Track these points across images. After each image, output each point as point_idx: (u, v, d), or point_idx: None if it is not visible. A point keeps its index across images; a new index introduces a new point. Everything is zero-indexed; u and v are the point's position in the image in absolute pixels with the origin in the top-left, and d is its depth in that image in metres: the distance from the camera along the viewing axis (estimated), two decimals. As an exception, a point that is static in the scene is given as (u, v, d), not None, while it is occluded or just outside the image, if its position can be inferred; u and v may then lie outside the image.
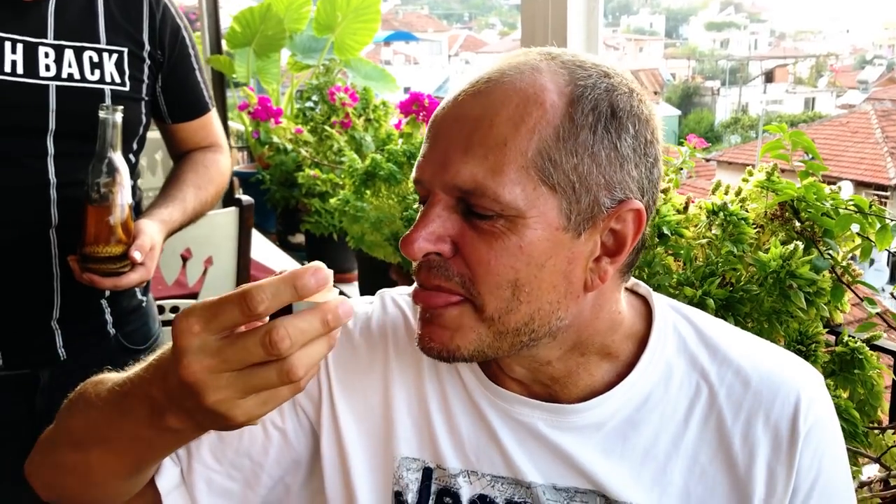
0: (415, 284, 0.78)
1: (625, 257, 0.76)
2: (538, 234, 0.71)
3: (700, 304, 1.26)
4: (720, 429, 0.79)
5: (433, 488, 0.83)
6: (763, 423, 0.78)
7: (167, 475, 0.83)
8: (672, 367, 0.81)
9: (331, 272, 0.61)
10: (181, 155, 1.54)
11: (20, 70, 1.25)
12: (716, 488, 0.78)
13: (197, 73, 1.51)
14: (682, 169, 1.67)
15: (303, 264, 1.89)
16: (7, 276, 1.26)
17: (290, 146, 2.81)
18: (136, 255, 1.23)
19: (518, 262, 0.71)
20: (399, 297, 0.91)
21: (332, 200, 2.24)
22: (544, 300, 0.73)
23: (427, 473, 0.83)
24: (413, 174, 0.76)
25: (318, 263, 0.61)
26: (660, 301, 0.85)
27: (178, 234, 1.67)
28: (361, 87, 2.98)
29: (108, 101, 1.32)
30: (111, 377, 0.75)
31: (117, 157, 1.24)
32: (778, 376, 0.79)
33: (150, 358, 0.69)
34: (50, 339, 1.33)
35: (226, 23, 3.95)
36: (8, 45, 1.25)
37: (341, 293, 1.99)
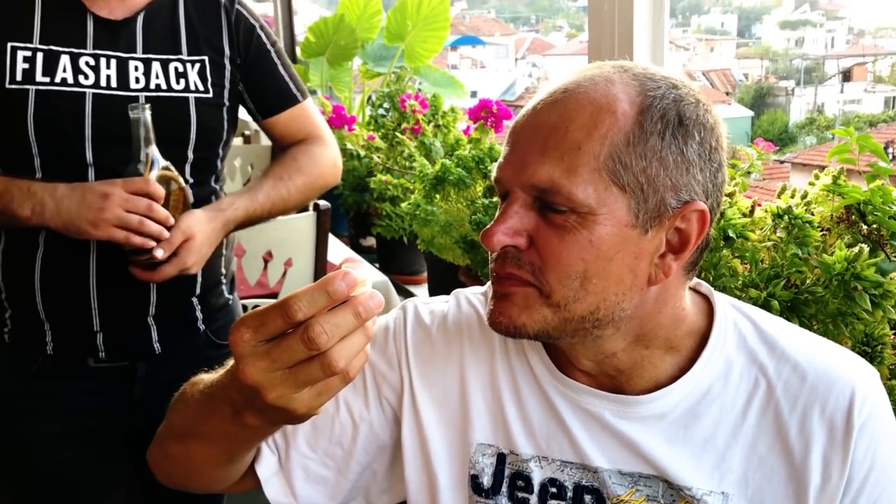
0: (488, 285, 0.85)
1: (689, 255, 0.82)
2: (607, 230, 0.77)
3: (765, 306, 1.29)
4: (777, 420, 0.83)
5: (507, 472, 0.90)
6: (819, 415, 0.83)
7: (266, 463, 0.92)
8: (732, 362, 0.86)
9: (363, 270, 0.67)
10: (282, 151, 1.59)
11: (114, 83, 1.36)
12: (773, 476, 0.83)
13: (279, 67, 1.55)
14: (749, 173, 1.69)
15: (375, 267, 1.94)
16: (110, 277, 1.37)
17: (363, 152, 2.90)
18: (158, 252, 1.28)
19: (588, 254, 0.78)
20: (472, 297, 0.99)
21: (403, 205, 2.31)
22: (610, 291, 0.79)
23: (501, 458, 0.90)
24: (493, 174, 0.83)
25: (347, 265, 0.67)
26: (721, 299, 0.91)
27: (260, 237, 1.74)
28: (430, 94, 3.06)
29: (192, 108, 1.41)
30: (204, 379, 0.84)
31: (151, 151, 1.29)
32: (833, 372, 0.84)
33: (229, 364, 0.76)
34: (147, 334, 1.43)
35: (300, 32, 4.09)
36: (103, 61, 1.36)
37: (410, 294, 2.06)
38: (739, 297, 1.34)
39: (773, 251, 1.38)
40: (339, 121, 2.96)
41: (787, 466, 0.83)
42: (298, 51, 3.89)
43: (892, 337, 1.28)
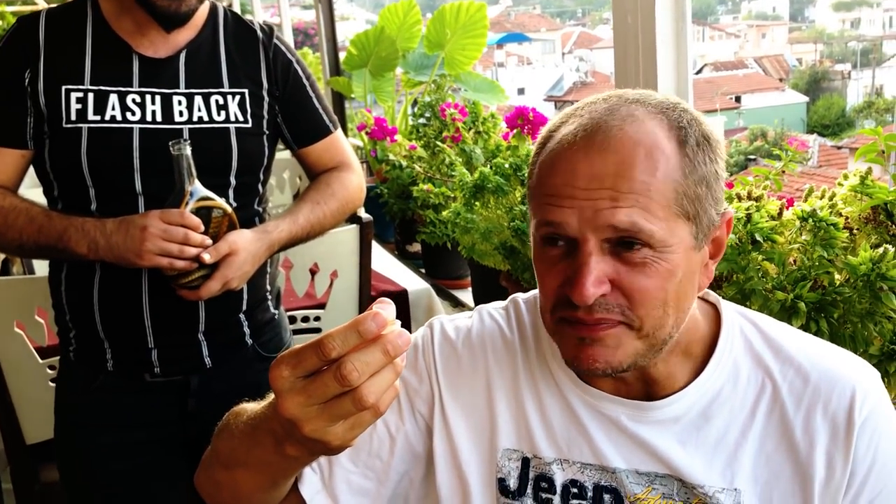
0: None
1: (721, 257, 0.90)
2: (678, 257, 0.83)
3: (792, 307, 1.31)
4: (783, 420, 0.89)
5: (531, 475, 0.96)
6: (822, 414, 0.88)
7: (308, 483, 0.97)
8: (739, 366, 0.92)
9: (392, 310, 0.71)
10: (314, 177, 1.68)
11: (159, 118, 1.44)
12: (781, 473, 0.88)
13: (314, 100, 1.64)
14: (783, 172, 1.70)
15: (419, 273, 2.00)
16: (161, 297, 1.45)
17: (404, 163, 2.97)
18: (205, 256, 1.35)
19: (667, 283, 0.83)
20: (494, 312, 1.05)
21: (444, 213, 2.37)
22: (681, 308, 0.86)
23: (525, 462, 0.97)
24: (546, 217, 0.84)
25: (377, 306, 0.70)
26: (727, 307, 0.96)
27: (306, 250, 1.81)
28: (471, 101, 3.11)
29: (233, 138, 1.48)
30: (247, 410, 0.88)
31: (191, 183, 1.36)
32: (835, 372, 0.90)
33: (271, 397, 0.80)
34: (197, 349, 1.52)
35: (344, 44, 4.18)
36: (149, 97, 1.44)
37: (455, 298, 2.09)
38: (767, 300, 1.37)
39: (801, 253, 1.40)
40: (381, 133, 3.03)
41: (793, 463, 0.88)
42: (342, 59, 3.98)
43: (923, 335, 1.29)
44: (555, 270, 0.85)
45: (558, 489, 0.95)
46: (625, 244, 0.82)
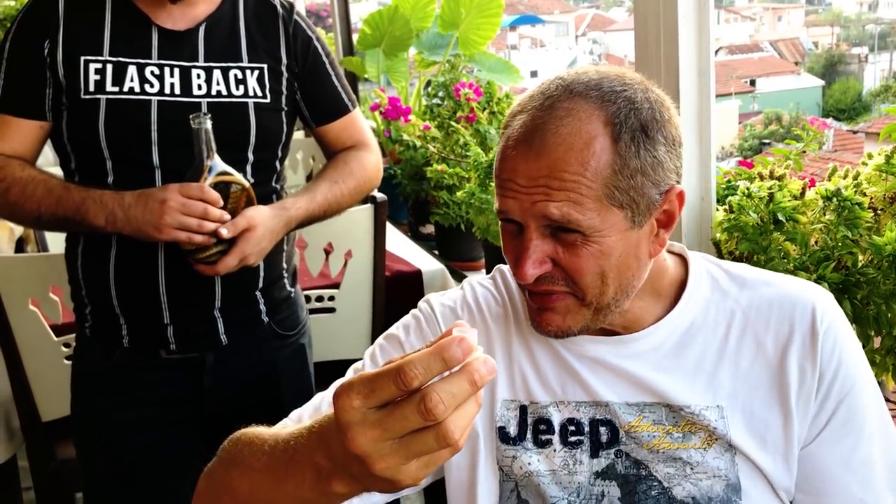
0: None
1: (674, 225, 0.98)
2: (612, 239, 0.92)
3: (815, 288, 1.29)
4: (755, 339, 1.00)
5: (529, 420, 1.04)
6: (788, 329, 0.99)
7: None
8: (709, 301, 1.04)
9: (474, 334, 0.65)
10: (331, 156, 1.67)
11: (178, 91, 1.43)
12: (759, 386, 0.99)
13: (333, 78, 1.63)
14: (804, 152, 1.68)
15: (433, 255, 1.97)
16: (178, 273, 1.45)
17: (418, 143, 2.95)
18: (223, 231, 1.35)
19: (601, 261, 0.93)
20: (483, 280, 1.15)
21: (459, 193, 2.35)
22: (623, 277, 0.95)
23: (523, 409, 1.04)
24: (497, 204, 0.95)
25: (458, 330, 0.65)
26: (694, 254, 1.09)
27: (320, 230, 1.80)
28: (485, 81, 3.08)
29: (251, 113, 1.47)
30: (264, 437, 0.82)
31: (210, 157, 1.35)
32: (795, 294, 1.02)
33: (310, 424, 0.74)
34: (213, 326, 1.51)
35: (357, 25, 4.15)
36: (167, 70, 1.43)
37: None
38: (790, 280, 1.35)
39: (824, 233, 1.38)
40: (394, 112, 3.01)
41: (768, 376, 0.99)
42: (355, 40, 3.95)
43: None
44: (511, 245, 0.96)
45: (556, 429, 1.02)
46: (560, 229, 0.91)
